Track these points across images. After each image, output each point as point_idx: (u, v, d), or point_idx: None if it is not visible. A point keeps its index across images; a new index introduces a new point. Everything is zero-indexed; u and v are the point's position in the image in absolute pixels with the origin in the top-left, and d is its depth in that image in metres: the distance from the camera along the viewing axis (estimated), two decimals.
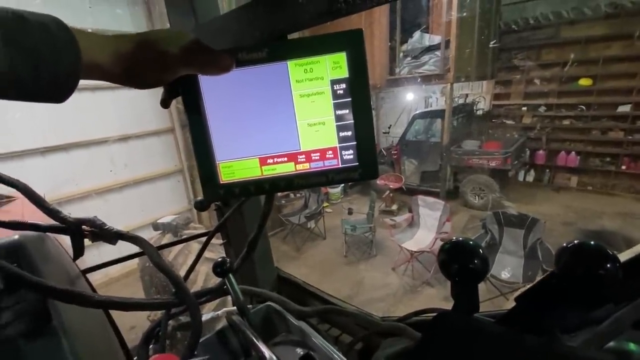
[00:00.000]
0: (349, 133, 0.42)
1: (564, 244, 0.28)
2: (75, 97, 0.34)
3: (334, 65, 0.40)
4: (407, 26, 6.31)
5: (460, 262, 0.27)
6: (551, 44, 6.74)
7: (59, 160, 4.40)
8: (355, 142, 0.42)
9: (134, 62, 0.35)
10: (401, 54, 6.27)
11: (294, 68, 0.40)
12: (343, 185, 7.25)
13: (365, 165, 0.42)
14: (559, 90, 6.83)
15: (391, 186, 6.28)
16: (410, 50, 6.13)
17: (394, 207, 6.25)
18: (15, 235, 0.56)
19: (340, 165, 0.43)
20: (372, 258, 4.95)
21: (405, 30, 6.24)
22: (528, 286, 0.30)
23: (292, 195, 6.57)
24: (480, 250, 0.28)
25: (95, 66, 0.32)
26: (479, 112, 7.43)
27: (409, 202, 5.37)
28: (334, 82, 0.40)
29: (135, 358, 0.58)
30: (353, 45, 0.39)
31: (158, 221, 3.01)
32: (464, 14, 5.45)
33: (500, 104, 7.61)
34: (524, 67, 7.06)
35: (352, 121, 0.41)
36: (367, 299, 4.08)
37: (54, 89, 0.31)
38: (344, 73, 0.40)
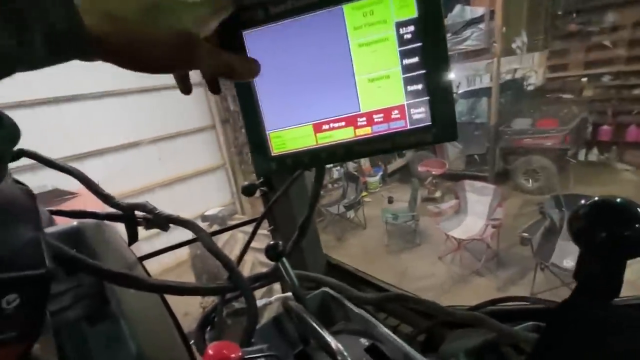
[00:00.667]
0: (420, 87, 0.35)
1: None
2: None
3: (399, 4, 0.33)
4: (446, 0, 5.89)
5: (611, 229, 0.20)
6: (617, 3, 5.91)
7: (113, 160, 4.77)
8: (427, 97, 0.35)
9: (137, 37, 0.26)
10: None
11: (351, 12, 0.34)
12: (382, 173, 7.06)
13: (441, 125, 0.35)
14: (628, 55, 5.99)
15: (433, 172, 6.00)
16: (450, 26, 5.74)
17: (438, 194, 5.97)
18: (73, 222, 0.57)
19: (409, 127, 0.36)
20: (415, 247, 4.78)
21: (444, 4, 5.84)
22: None
23: (329, 185, 6.55)
24: None
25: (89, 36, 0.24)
26: (530, 88, 6.78)
27: (453, 189, 5.08)
28: (399, 25, 0.33)
29: (192, 342, 0.58)
30: None
31: (205, 213, 3.14)
32: None
33: (555, 76, 6.86)
34: (584, 32, 6.28)
35: (424, 71, 0.34)
36: (412, 289, 3.94)
37: (54, 53, 0.23)
38: (413, 12, 0.33)
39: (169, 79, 0.36)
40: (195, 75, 0.37)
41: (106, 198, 0.58)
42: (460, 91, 6.37)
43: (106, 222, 0.65)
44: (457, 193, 4.60)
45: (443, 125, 0.35)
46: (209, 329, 0.55)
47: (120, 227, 0.65)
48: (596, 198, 0.21)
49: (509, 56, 5.61)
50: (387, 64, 0.35)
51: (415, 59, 0.34)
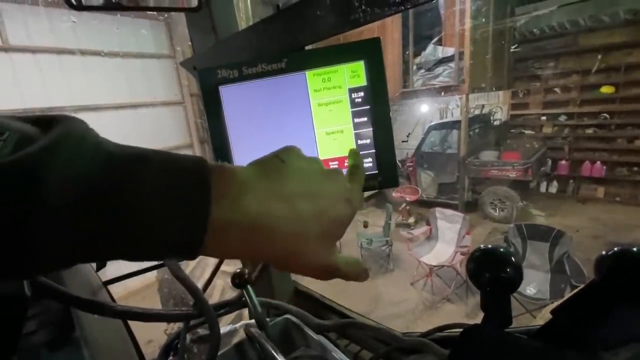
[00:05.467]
0: (368, 141, 0.41)
1: (604, 251, 0.27)
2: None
3: (352, 74, 0.40)
4: (420, 39, 6.35)
5: (492, 271, 0.26)
6: (569, 52, 6.61)
7: None
8: (374, 150, 0.41)
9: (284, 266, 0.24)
10: (415, 67, 6.29)
11: (312, 78, 0.40)
12: None
13: (385, 173, 0.41)
14: (580, 98, 6.64)
15: (407, 198, 6.18)
16: (424, 63, 6.15)
17: (411, 220, 6.13)
18: None
19: None
20: (389, 272, 4.83)
21: (418, 43, 6.27)
22: (566, 297, 0.28)
23: None
24: (513, 258, 0.26)
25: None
26: (496, 123, 7.29)
27: (426, 215, 5.26)
28: (352, 91, 0.40)
29: None
30: (371, 53, 0.39)
31: None
32: (477, 25, 5.45)
33: (518, 113, 7.46)
34: (541, 76, 6.93)
35: (371, 129, 0.41)
36: (384, 315, 3.97)
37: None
38: (362, 81, 0.40)
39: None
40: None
41: None
42: (433, 123, 6.74)
43: None
44: (428, 219, 4.75)
45: (386, 173, 0.41)
46: (171, 355, 0.56)
47: None
48: (483, 246, 0.27)
49: (476, 93, 6.07)
50: (341, 121, 0.41)
51: (364, 119, 0.41)
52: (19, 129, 0.16)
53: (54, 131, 0.16)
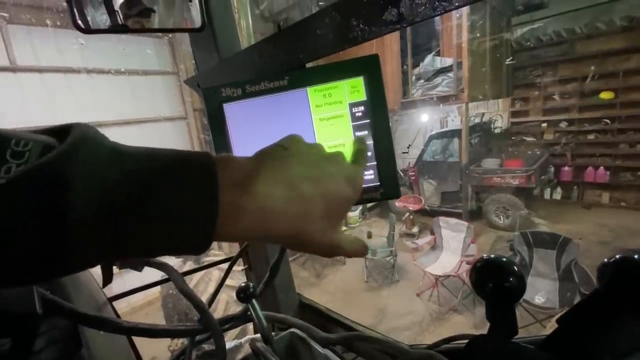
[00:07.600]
0: (369, 154, 0.42)
1: (606, 259, 0.27)
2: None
3: (351, 90, 0.41)
4: (418, 50, 6.45)
5: (495, 281, 0.26)
6: (567, 60, 6.67)
7: None
8: (375, 163, 0.42)
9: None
10: (414, 77, 6.37)
11: (314, 94, 0.42)
12: (361, 208, 7.17)
13: (386, 185, 0.42)
14: (580, 104, 6.67)
15: (411, 208, 6.16)
16: (423, 73, 6.23)
17: (415, 229, 6.09)
18: None
19: None
20: (394, 283, 4.77)
21: (416, 54, 6.38)
22: (571, 307, 0.28)
23: None
24: (515, 267, 0.26)
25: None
26: (497, 130, 7.32)
27: (430, 224, 5.23)
28: (352, 105, 0.41)
29: None
30: (370, 69, 0.41)
31: None
32: (475, 36, 5.54)
33: (518, 121, 7.48)
34: (540, 83, 6.98)
35: (371, 142, 0.42)
36: (391, 327, 3.90)
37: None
38: (362, 96, 0.41)
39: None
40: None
41: None
42: (433, 132, 6.77)
43: None
44: (432, 229, 4.72)
45: (388, 185, 0.42)
46: None
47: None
48: (486, 256, 0.28)
49: (476, 101, 6.12)
50: (342, 135, 0.42)
51: (365, 132, 0.42)
52: (41, 139, 0.18)
53: (71, 136, 0.17)
